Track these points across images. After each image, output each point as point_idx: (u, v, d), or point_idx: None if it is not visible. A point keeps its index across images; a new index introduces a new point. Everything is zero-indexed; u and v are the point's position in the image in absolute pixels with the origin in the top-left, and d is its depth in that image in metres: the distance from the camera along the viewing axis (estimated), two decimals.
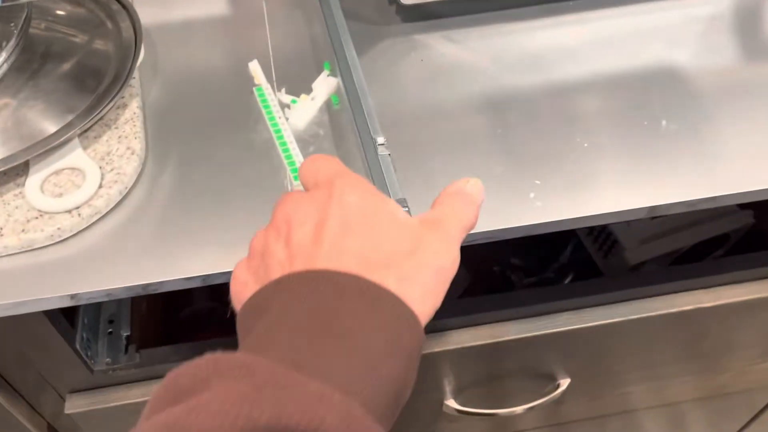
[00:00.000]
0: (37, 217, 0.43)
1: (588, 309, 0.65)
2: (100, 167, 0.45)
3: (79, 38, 0.53)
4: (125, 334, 0.60)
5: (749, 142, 0.50)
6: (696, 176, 0.48)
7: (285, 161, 0.48)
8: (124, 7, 0.54)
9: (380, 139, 0.45)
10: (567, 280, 0.84)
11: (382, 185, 0.42)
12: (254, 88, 0.53)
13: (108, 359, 0.59)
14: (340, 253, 0.30)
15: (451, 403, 0.72)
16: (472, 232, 0.45)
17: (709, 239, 0.78)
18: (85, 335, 0.58)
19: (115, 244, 0.44)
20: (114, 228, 0.45)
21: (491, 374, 0.70)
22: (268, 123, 0.50)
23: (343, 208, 0.31)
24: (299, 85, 0.53)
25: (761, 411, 0.98)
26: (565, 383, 0.73)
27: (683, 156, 0.49)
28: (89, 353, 0.58)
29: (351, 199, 0.32)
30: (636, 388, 0.82)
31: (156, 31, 0.58)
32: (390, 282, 0.29)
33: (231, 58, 0.56)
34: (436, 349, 0.63)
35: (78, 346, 0.55)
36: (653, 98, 0.53)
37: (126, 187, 0.45)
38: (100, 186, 0.44)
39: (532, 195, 0.46)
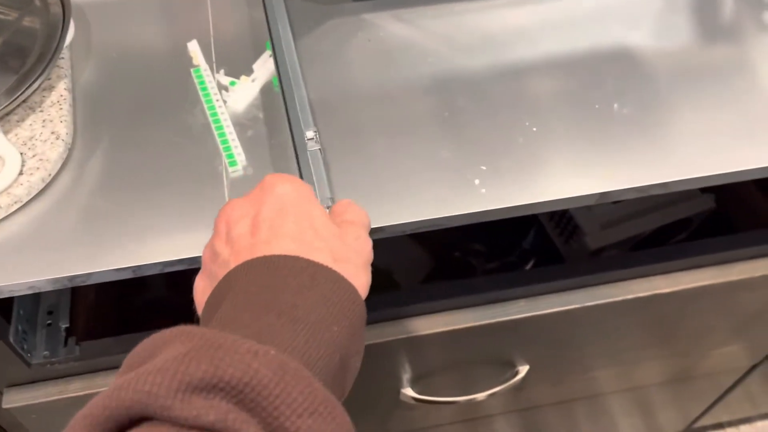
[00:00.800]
0: None
1: (544, 296, 0.64)
2: (22, 153, 0.43)
3: (6, 17, 0.50)
4: (64, 326, 0.58)
5: (703, 127, 0.48)
6: (648, 161, 0.47)
7: (221, 146, 0.46)
8: None
9: (309, 133, 0.43)
10: (528, 266, 0.83)
11: (310, 182, 0.41)
12: (192, 70, 0.50)
13: (46, 352, 0.57)
14: (277, 237, 0.33)
15: (408, 391, 0.71)
16: (415, 219, 0.44)
17: (671, 224, 0.77)
18: (20, 327, 0.55)
19: (38, 233, 0.42)
20: (37, 217, 0.43)
21: (449, 362, 0.69)
22: (205, 106, 0.48)
23: (276, 197, 0.34)
24: (239, 67, 0.51)
25: (725, 392, 0.98)
26: (524, 370, 0.72)
27: (635, 140, 0.47)
28: (26, 346, 0.55)
29: (283, 188, 0.35)
30: (600, 373, 0.81)
31: (90, 9, 0.55)
32: (327, 260, 0.32)
33: (169, 37, 0.53)
34: (391, 338, 0.61)
35: (12, 339, 0.53)
36: (606, 81, 0.51)
37: (49, 174, 0.43)
38: (21, 173, 0.42)
39: (477, 181, 0.45)
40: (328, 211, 0.37)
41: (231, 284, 0.32)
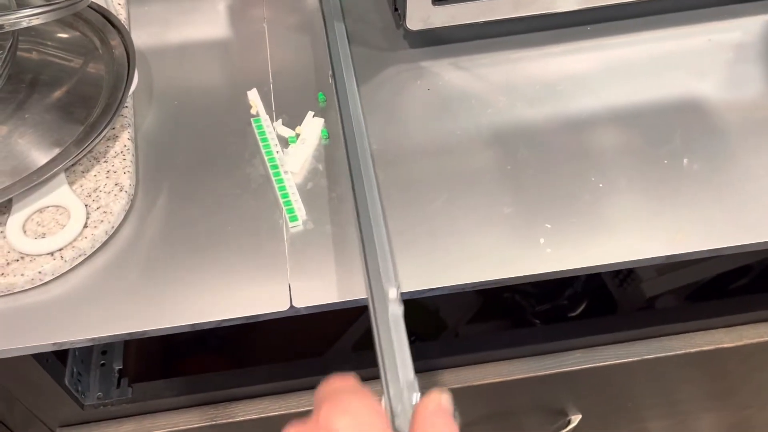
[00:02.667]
0: (17, 260, 0.41)
1: (601, 347, 0.62)
2: (87, 205, 0.43)
3: (70, 64, 0.51)
4: (118, 368, 0.58)
5: None
6: (718, 220, 0.45)
7: (281, 200, 0.46)
8: (117, 29, 0.52)
9: (392, 293, 0.37)
10: (579, 309, 0.81)
11: (390, 355, 0.35)
12: (252, 120, 0.51)
13: (99, 393, 0.57)
14: None
15: None
16: (477, 280, 0.43)
17: (731, 270, 0.75)
18: (75, 369, 0.56)
19: (99, 287, 0.42)
20: (99, 270, 0.43)
21: (498, 411, 0.67)
22: (265, 157, 0.48)
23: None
24: (299, 115, 0.51)
25: None
26: (576, 419, 0.70)
27: (705, 198, 0.46)
28: (80, 388, 0.56)
29: (340, 423, 0.29)
30: (652, 424, 0.78)
31: (152, 55, 0.56)
32: None
33: (229, 84, 0.54)
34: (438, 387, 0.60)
35: (67, 382, 0.53)
36: (674, 134, 0.49)
37: (113, 227, 0.43)
38: (86, 226, 0.42)
39: (542, 240, 0.44)
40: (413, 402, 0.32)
41: None
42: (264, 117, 0.50)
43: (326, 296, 0.42)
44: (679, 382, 0.69)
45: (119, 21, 0.52)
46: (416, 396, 0.33)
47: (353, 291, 0.42)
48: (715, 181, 0.46)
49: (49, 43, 0.52)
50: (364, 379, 0.54)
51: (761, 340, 0.62)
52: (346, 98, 0.48)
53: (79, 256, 0.42)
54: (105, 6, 0.54)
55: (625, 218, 0.45)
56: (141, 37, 0.56)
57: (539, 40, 0.56)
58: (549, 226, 0.44)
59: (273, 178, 0.47)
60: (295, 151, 0.48)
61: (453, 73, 0.54)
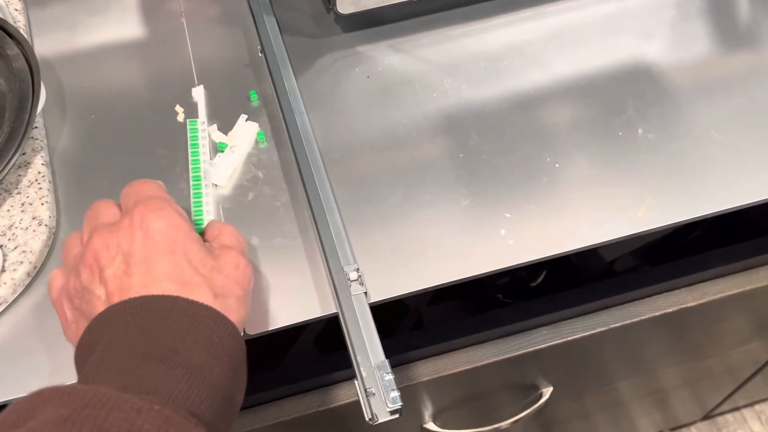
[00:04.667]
0: None
1: (567, 321, 0.61)
2: (2, 246, 0.39)
3: None
4: None
5: (732, 149, 0.45)
6: (679, 192, 0.43)
7: (192, 216, 0.42)
8: (14, 39, 0.46)
9: (353, 274, 0.38)
10: (540, 279, 0.80)
11: (357, 335, 0.37)
12: (188, 126, 0.46)
13: None
14: (154, 278, 0.32)
15: (431, 426, 0.68)
16: (441, 282, 0.40)
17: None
18: None
19: (26, 337, 0.38)
20: (24, 317, 0.39)
21: (471, 394, 0.66)
22: (190, 170, 0.44)
23: (149, 235, 0.33)
24: (231, 116, 0.47)
25: (744, 382, 0.97)
26: (547, 392, 0.69)
27: (663, 169, 0.44)
28: None
29: (157, 225, 0.33)
30: (621, 384, 0.79)
31: (60, 63, 0.50)
32: (206, 297, 0.32)
33: (151, 89, 0.49)
34: (413, 382, 0.58)
35: None
36: (626, 103, 0.48)
37: (35, 267, 0.39)
38: (3, 270, 0.38)
39: (503, 232, 0.41)
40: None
41: (106, 326, 0.31)
42: (199, 123, 0.46)
43: (282, 317, 0.39)
44: (644, 344, 0.69)
45: (16, 29, 0.47)
46: (389, 377, 0.35)
47: (311, 306, 0.39)
48: (672, 150, 0.45)
49: None
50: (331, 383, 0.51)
51: (723, 295, 0.62)
52: (286, 96, 0.44)
53: (1, 304, 0.37)
54: (0, 14, 0.48)
55: (585, 197, 0.43)
56: (45, 45, 0.51)
57: (479, 13, 0.53)
58: (508, 215, 0.42)
59: (192, 193, 0.42)
60: (221, 161, 0.44)
61: (392, 57, 0.50)
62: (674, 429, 1.13)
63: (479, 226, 0.42)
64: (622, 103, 0.47)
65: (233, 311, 0.33)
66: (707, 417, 1.13)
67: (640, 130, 0.46)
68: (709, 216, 0.43)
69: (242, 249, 0.37)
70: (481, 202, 0.43)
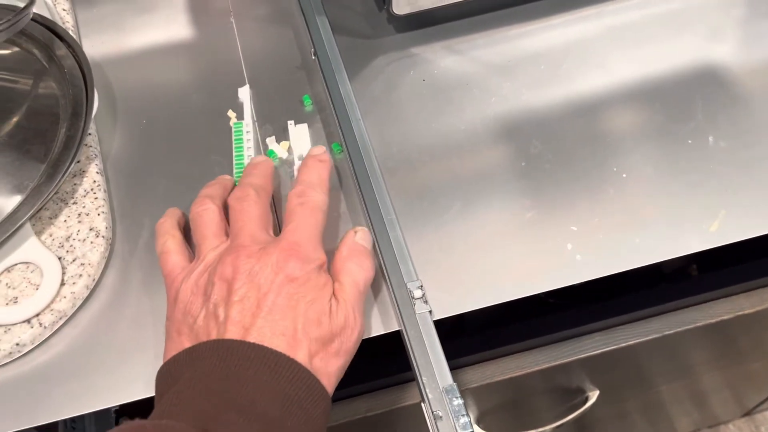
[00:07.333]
0: None
1: (620, 327, 0.59)
2: (60, 258, 0.38)
3: (16, 87, 0.45)
4: (114, 409, 0.54)
5: None
6: (754, 204, 0.41)
7: None
8: (65, 42, 0.46)
9: (417, 291, 0.37)
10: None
11: (423, 358, 0.36)
12: (233, 131, 0.45)
13: None
14: (272, 331, 0.32)
15: (476, 429, 0.67)
16: (506, 299, 0.39)
17: None
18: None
19: (86, 351, 0.37)
20: (83, 331, 0.38)
21: (516, 399, 0.65)
22: (234, 176, 0.43)
23: (285, 284, 0.33)
24: (281, 120, 0.45)
25: None
26: (594, 395, 0.68)
27: (737, 180, 0.42)
28: None
29: (295, 270, 0.34)
30: (664, 388, 0.77)
31: (109, 65, 0.49)
32: (303, 357, 0.32)
33: (202, 92, 0.48)
34: (461, 388, 0.57)
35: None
36: (694, 107, 0.45)
37: (93, 280, 0.38)
38: (62, 283, 0.37)
39: (569, 246, 0.40)
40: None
41: (193, 363, 0.32)
42: (247, 127, 0.45)
43: None
44: (694, 350, 0.67)
45: (66, 32, 0.46)
46: (458, 402, 0.34)
47: (373, 322, 0.38)
48: (746, 158, 0.43)
49: None
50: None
51: None
52: (342, 102, 0.43)
53: (60, 318, 0.37)
54: (49, 15, 0.47)
55: (655, 210, 0.41)
56: (94, 46, 0.50)
57: (535, 12, 0.51)
58: (575, 228, 0.41)
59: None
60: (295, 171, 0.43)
61: (448, 59, 0.49)
62: (712, 426, 1.11)
63: (544, 240, 0.40)
64: (690, 108, 0.45)
65: (323, 367, 0.33)
66: (746, 414, 1.11)
67: (710, 138, 0.44)
68: None
69: (361, 290, 0.36)
70: (546, 215, 0.41)
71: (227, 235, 0.37)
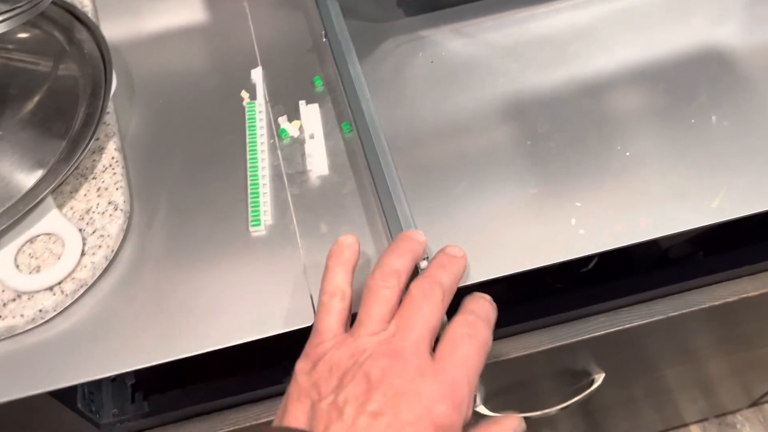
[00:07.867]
0: (14, 299, 0.37)
1: (624, 309, 0.60)
2: (81, 229, 0.40)
3: (38, 68, 0.46)
4: (130, 383, 0.55)
5: None
6: (756, 181, 0.42)
7: (250, 208, 0.42)
8: (85, 25, 0.47)
9: (423, 263, 0.37)
10: (591, 264, 0.79)
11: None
12: (246, 111, 0.47)
13: (115, 410, 0.55)
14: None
15: (481, 409, 0.68)
16: (511, 271, 0.40)
17: None
18: (86, 389, 0.53)
19: (106, 317, 0.39)
20: (103, 298, 0.40)
21: (523, 380, 0.66)
22: (247, 155, 0.44)
23: (391, 399, 0.31)
24: (293, 101, 0.47)
25: None
26: (600, 378, 0.69)
27: (739, 157, 0.43)
28: (93, 408, 0.53)
29: (441, 423, 0.31)
30: (669, 371, 0.78)
31: (127, 48, 0.51)
32: None
33: (216, 74, 0.49)
34: None
35: (80, 405, 0.51)
36: (698, 88, 0.46)
37: (112, 251, 0.40)
38: (83, 253, 0.39)
39: (573, 221, 0.41)
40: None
41: None
42: (259, 108, 0.46)
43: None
44: (699, 333, 0.68)
45: (86, 15, 0.48)
46: None
47: None
48: (748, 138, 0.44)
49: (10, 46, 0.47)
50: None
51: None
52: (351, 83, 0.44)
53: (81, 287, 0.38)
54: None
55: (658, 187, 0.42)
56: (112, 30, 0.52)
57: None
58: (579, 204, 0.42)
59: (249, 174, 0.43)
60: (313, 150, 0.44)
61: (456, 41, 0.50)
62: (719, 416, 1.12)
63: (549, 216, 0.41)
64: (694, 89, 0.46)
65: None
66: (754, 404, 1.11)
67: (713, 118, 0.45)
68: None
69: (476, 373, 0.33)
70: (551, 191, 0.42)
71: (392, 316, 0.34)
